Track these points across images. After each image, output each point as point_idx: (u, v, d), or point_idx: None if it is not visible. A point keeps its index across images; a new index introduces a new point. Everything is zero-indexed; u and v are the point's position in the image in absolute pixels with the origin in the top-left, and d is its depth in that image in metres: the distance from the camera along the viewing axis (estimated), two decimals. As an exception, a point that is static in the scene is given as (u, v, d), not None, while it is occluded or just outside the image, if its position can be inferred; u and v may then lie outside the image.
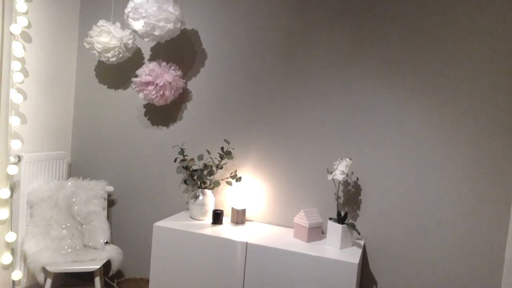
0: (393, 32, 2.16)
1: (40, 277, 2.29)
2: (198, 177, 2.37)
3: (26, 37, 2.46)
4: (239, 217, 2.36)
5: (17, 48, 2.35)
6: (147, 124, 2.72)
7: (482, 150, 2.01)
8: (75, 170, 2.92)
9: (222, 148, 2.44)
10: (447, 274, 2.08)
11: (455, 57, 2.05)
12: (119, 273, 2.77)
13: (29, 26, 2.46)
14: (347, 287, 1.86)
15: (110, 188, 2.71)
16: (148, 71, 2.39)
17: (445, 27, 2.06)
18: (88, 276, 2.86)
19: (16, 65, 2.35)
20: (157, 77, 2.38)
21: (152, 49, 2.71)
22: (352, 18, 2.24)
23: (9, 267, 2.33)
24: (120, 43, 2.45)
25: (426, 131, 2.11)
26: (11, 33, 2.30)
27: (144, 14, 2.21)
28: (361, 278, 2.25)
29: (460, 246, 2.05)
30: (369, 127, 2.21)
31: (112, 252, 2.45)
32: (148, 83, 2.40)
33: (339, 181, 2.28)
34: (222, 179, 2.52)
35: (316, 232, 2.15)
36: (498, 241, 1.99)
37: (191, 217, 2.42)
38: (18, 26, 2.33)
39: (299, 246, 2.04)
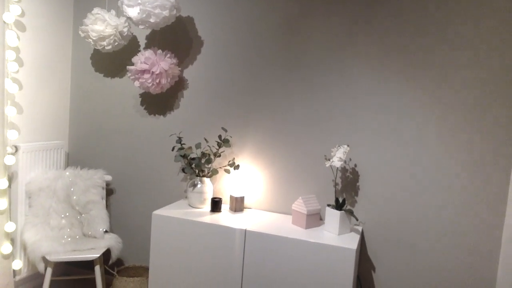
0: (391, 16, 2.14)
1: (41, 266, 2.30)
2: (196, 166, 2.37)
3: (19, 26, 2.42)
4: (238, 205, 2.36)
5: (11, 37, 2.32)
6: (143, 113, 2.71)
7: (482, 138, 2.01)
8: (72, 159, 2.91)
9: (219, 136, 2.43)
10: (444, 259, 2.10)
11: (458, 43, 2.03)
12: (118, 262, 2.79)
13: (22, 14, 2.43)
14: (345, 272, 1.88)
15: (108, 177, 2.70)
16: (143, 59, 2.37)
17: (446, 11, 2.04)
18: (88, 265, 2.88)
19: (10, 55, 2.33)
20: (153, 65, 2.36)
21: (148, 37, 2.68)
22: (349, 2, 2.21)
23: (9, 257, 2.34)
24: (115, 31, 2.42)
25: (425, 118, 2.10)
26: (4, 22, 2.26)
27: (139, 1, 2.18)
28: (359, 263, 2.27)
29: (457, 231, 2.07)
30: (367, 114, 2.21)
31: (111, 241, 2.46)
32: (144, 71, 2.38)
33: (337, 168, 2.28)
34: (220, 167, 2.52)
35: (314, 219, 2.16)
36: (495, 224, 2.00)
37: (189, 205, 2.43)
38: (11, 14, 2.30)
39: (298, 232, 2.05)
